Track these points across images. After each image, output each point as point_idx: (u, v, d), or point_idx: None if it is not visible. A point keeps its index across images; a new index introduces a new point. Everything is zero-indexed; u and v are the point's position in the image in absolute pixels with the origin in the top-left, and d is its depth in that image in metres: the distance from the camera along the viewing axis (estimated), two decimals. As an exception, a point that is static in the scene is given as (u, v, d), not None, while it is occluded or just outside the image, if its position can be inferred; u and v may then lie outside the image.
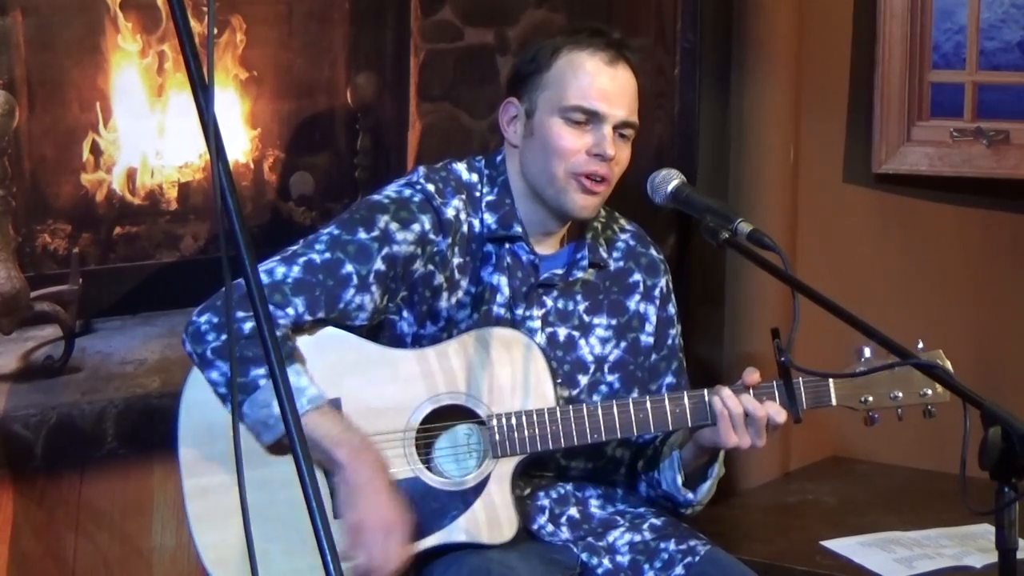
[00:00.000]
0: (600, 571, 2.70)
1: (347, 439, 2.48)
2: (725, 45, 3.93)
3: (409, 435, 2.58)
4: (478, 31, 3.44)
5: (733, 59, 3.93)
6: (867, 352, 2.57)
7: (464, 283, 2.68)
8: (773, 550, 3.35)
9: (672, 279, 2.90)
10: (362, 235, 2.60)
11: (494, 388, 2.60)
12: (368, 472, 2.47)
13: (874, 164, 4.01)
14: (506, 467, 2.59)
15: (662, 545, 2.71)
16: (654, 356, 2.82)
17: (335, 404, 2.55)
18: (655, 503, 2.83)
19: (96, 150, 2.84)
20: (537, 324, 2.71)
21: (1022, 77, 3.89)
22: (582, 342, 2.75)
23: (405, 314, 2.66)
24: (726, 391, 2.60)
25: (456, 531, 2.56)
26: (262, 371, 2.44)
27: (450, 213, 2.66)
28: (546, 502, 2.73)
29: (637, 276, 2.82)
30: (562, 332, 2.73)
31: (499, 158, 2.74)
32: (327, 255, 2.58)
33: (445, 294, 2.66)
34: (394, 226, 2.61)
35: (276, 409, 2.39)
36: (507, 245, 2.70)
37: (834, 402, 2.65)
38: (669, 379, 2.83)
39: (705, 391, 2.62)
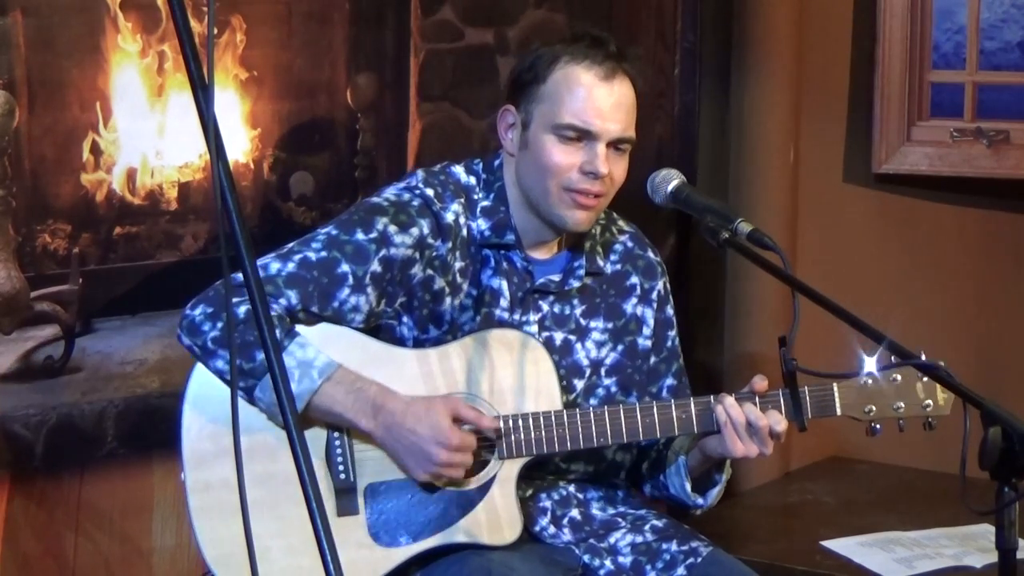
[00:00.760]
0: (602, 572, 2.70)
1: (361, 409, 2.50)
2: (725, 45, 3.93)
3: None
4: (478, 31, 3.44)
5: (733, 59, 3.93)
6: (868, 359, 2.57)
7: (466, 286, 2.68)
8: (773, 550, 3.35)
9: (672, 280, 2.90)
10: (360, 236, 2.60)
11: (497, 389, 2.60)
12: (392, 430, 2.50)
13: (874, 164, 4.01)
14: (511, 469, 2.59)
15: (664, 546, 2.71)
16: (653, 359, 2.82)
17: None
18: (660, 502, 2.83)
19: (96, 150, 2.84)
20: (534, 328, 2.70)
21: (1022, 77, 3.89)
22: (578, 346, 2.74)
23: (405, 319, 2.65)
24: (729, 400, 2.59)
25: (457, 532, 2.56)
26: None
27: (449, 218, 2.66)
28: (548, 504, 2.73)
29: (634, 279, 2.81)
30: (559, 336, 2.73)
31: (497, 162, 2.74)
32: (323, 253, 2.58)
33: (448, 298, 2.66)
34: (392, 229, 2.61)
35: (291, 387, 2.43)
36: (503, 251, 2.70)
37: (839, 412, 2.66)
38: (669, 381, 2.83)
39: (712, 398, 2.63)
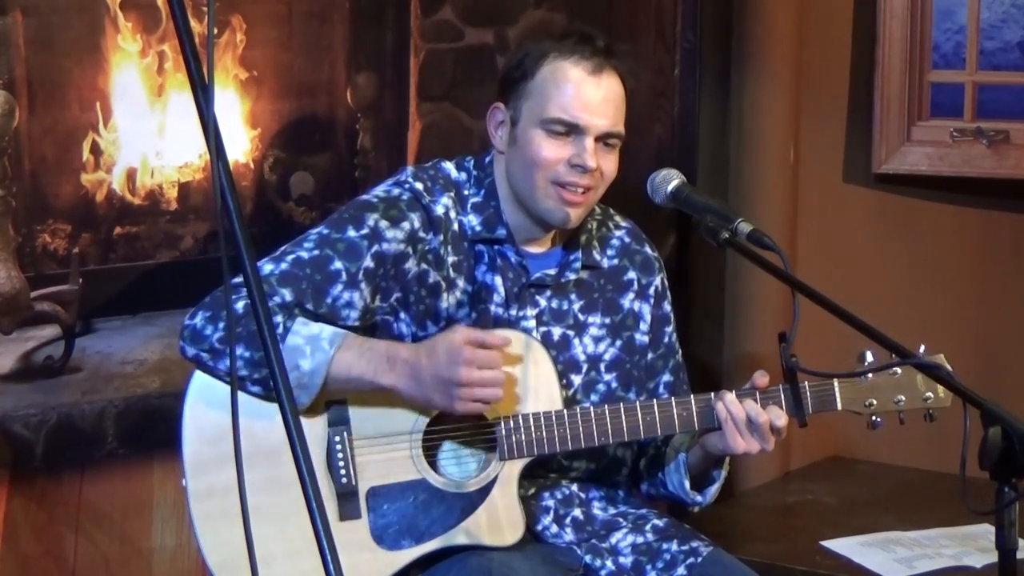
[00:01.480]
0: (603, 572, 2.70)
1: (378, 366, 2.50)
2: (725, 45, 3.93)
3: (416, 437, 2.57)
4: (478, 31, 3.44)
5: (733, 59, 3.93)
6: (869, 356, 2.58)
7: (461, 282, 2.68)
8: (773, 550, 3.35)
9: (672, 279, 2.90)
10: (351, 233, 2.60)
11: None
12: (413, 374, 2.49)
13: (874, 164, 4.00)
14: (512, 469, 2.59)
15: (664, 546, 2.71)
16: (650, 355, 2.82)
17: (341, 405, 2.55)
18: (657, 500, 2.83)
19: (96, 150, 2.84)
20: (531, 324, 2.70)
21: (1022, 77, 3.89)
22: (576, 341, 2.74)
23: (402, 315, 2.65)
24: (729, 396, 2.60)
25: (459, 534, 2.56)
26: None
27: (439, 210, 2.66)
28: (551, 503, 2.73)
29: (631, 274, 2.81)
30: (556, 332, 2.73)
31: (488, 159, 2.74)
32: (315, 252, 2.58)
33: (444, 294, 2.66)
34: (384, 224, 2.61)
35: (303, 366, 2.44)
36: (496, 246, 2.70)
37: (839, 406, 2.66)
38: (667, 377, 2.83)
39: (712, 395, 2.63)
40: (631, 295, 2.81)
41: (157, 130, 2.93)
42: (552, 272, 2.73)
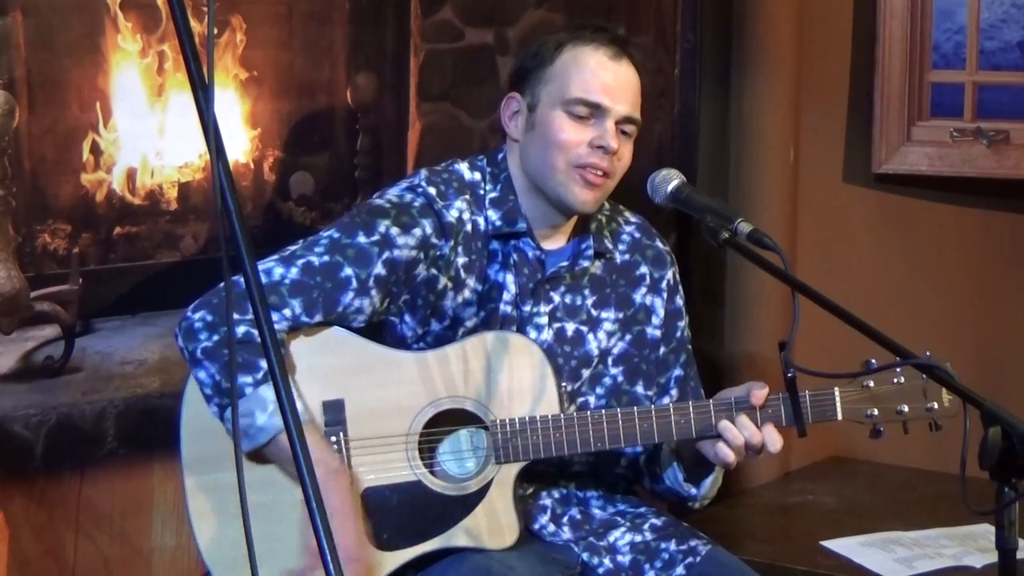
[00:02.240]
0: (601, 571, 2.70)
1: (324, 458, 2.43)
2: (725, 45, 3.93)
3: (412, 438, 2.57)
4: (478, 31, 3.44)
5: (733, 59, 3.93)
6: (875, 364, 2.56)
7: (471, 281, 2.67)
8: (773, 550, 3.35)
9: (677, 271, 2.90)
10: (362, 239, 2.59)
11: (496, 393, 2.59)
12: (340, 497, 2.44)
13: (874, 164, 4.01)
14: (508, 472, 2.59)
15: (663, 545, 2.71)
16: (663, 349, 2.82)
17: (338, 406, 2.54)
18: (659, 497, 2.83)
19: (96, 150, 2.84)
20: (544, 320, 2.70)
21: (1022, 77, 3.89)
22: (590, 336, 2.75)
23: (407, 317, 2.65)
24: (724, 424, 2.58)
25: (458, 535, 2.56)
26: (249, 379, 2.44)
27: (452, 216, 2.65)
28: (548, 502, 2.73)
29: (643, 268, 2.82)
30: (570, 327, 2.73)
31: (500, 155, 2.74)
32: (326, 258, 2.57)
33: (451, 293, 2.66)
34: (395, 231, 2.60)
35: (258, 420, 2.42)
36: (512, 242, 2.70)
37: (840, 416, 2.64)
38: (677, 372, 2.83)
39: (711, 403, 2.62)
40: (643, 289, 2.81)
41: (157, 130, 2.92)
42: (566, 263, 2.73)
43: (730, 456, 2.58)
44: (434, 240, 2.63)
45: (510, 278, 2.69)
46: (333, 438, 2.54)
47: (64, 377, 2.82)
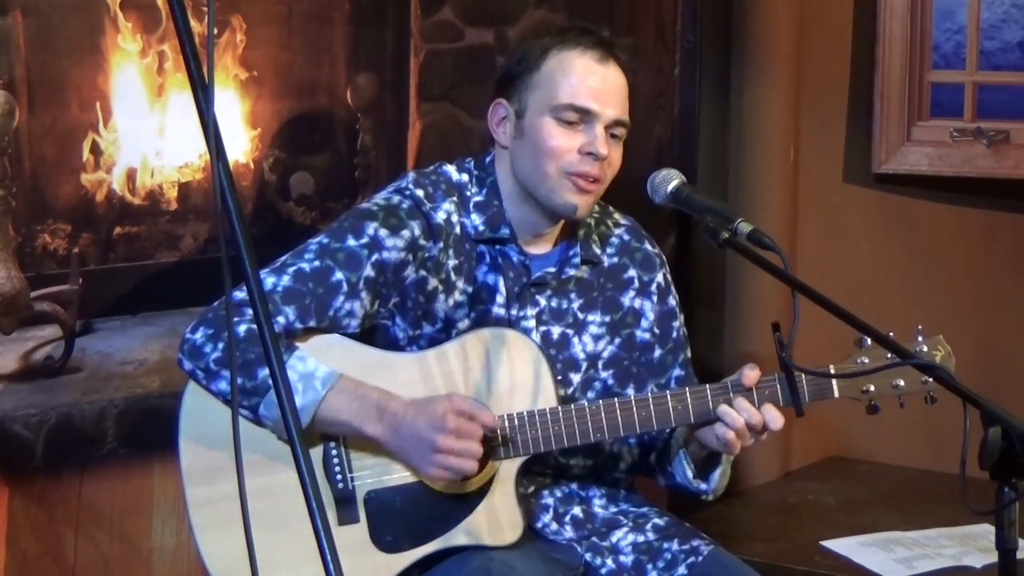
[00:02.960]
0: (604, 571, 2.70)
1: (366, 414, 2.49)
2: (725, 45, 3.93)
3: (412, 439, 2.57)
4: (478, 31, 3.44)
5: (733, 59, 3.93)
6: (868, 341, 2.55)
7: (461, 283, 2.68)
8: (773, 550, 3.35)
9: (671, 274, 2.89)
10: (351, 242, 2.59)
11: (494, 390, 2.59)
12: (397, 429, 2.48)
13: (874, 164, 4.01)
14: (509, 468, 2.59)
15: (665, 545, 2.71)
16: (659, 351, 2.82)
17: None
18: (674, 492, 2.82)
19: (96, 150, 2.84)
20: (531, 323, 2.70)
21: (1022, 77, 3.89)
22: (575, 340, 2.74)
23: (398, 320, 2.65)
24: (723, 408, 2.58)
25: (458, 535, 2.56)
26: (267, 370, 2.44)
27: (440, 217, 2.65)
28: (550, 501, 2.73)
29: (632, 272, 2.81)
30: (556, 331, 2.73)
31: (488, 159, 2.74)
32: (316, 263, 2.57)
33: (442, 296, 2.66)
34: (383, 232, 2.60)
35: (296, 400, 2.43)
36: (498, 246, 2.70)
37: (836, 394, 2.63)
38: (677, 372, 2.83)
39: (707, 387, 2.62)
40: (631, 292, 2.80)
41: (157, 130, 2.93)
42: (552, 270, 2.72)
43: (730, 435, 2.57)
44: (422, 242, 2.63)
45: (500, 280, 2.69)
46: (332, 442, 2.54)
47: (64, 377, 2.82)
